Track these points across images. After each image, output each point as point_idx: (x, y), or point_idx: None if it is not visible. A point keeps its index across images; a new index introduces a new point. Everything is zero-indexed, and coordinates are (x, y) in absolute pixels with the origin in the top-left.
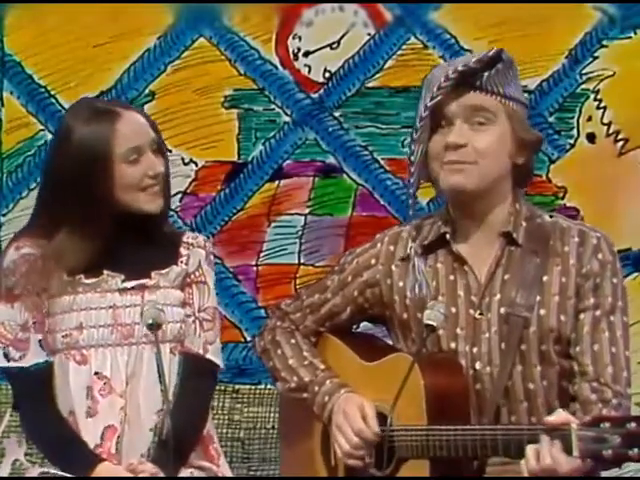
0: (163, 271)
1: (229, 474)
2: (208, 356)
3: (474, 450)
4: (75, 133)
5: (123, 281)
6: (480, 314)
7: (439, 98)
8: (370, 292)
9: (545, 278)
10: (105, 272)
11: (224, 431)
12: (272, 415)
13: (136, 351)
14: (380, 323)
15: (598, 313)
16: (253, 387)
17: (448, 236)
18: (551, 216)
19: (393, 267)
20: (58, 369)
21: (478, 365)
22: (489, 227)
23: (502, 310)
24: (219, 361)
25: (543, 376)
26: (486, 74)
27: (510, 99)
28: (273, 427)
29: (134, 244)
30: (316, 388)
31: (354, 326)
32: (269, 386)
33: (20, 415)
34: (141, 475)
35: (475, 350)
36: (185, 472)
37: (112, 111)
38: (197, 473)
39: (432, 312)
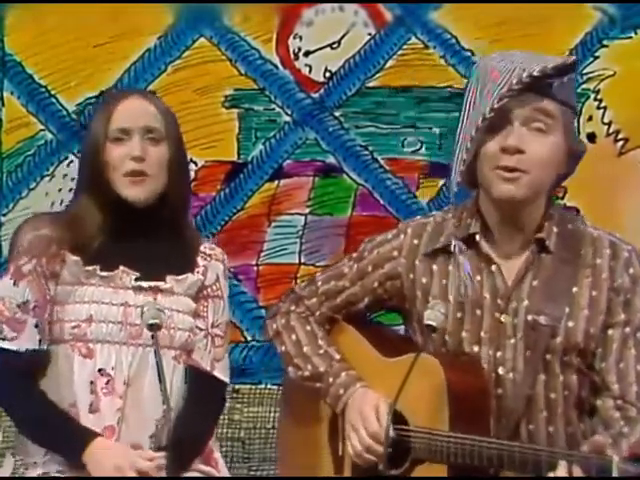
0: (179, 277)
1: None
2: (215, 373)
3: (498, 462)
4: (92, 115)
5: (137, 279)
6: (505, 318)
7: (506, 100)
8: (390, 284)
9: (575, 289)
10: (121, 267)
11: (224, 431)
12: (272, 415)
13: (142, 353)
14: (397, 313)
15: (627, 330)
16: (253, 387)
17: (478, 237)
18: (582, 223)
19: (417, 262)
20: (62, 360)
21: (501, 370)
22: (521, 232)
23: (529, 317)
24: (225, 378)
25: (565, 386)
26: (557, 82)
27: (568, 107)
28: (273, 427)
29: (152, 243)
30: (331, 379)
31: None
32: (269, 386)
33: (3, 397)
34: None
35: (499, 355)
36: (185, 474)
37: (121, 93)
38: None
39: (432, 312)
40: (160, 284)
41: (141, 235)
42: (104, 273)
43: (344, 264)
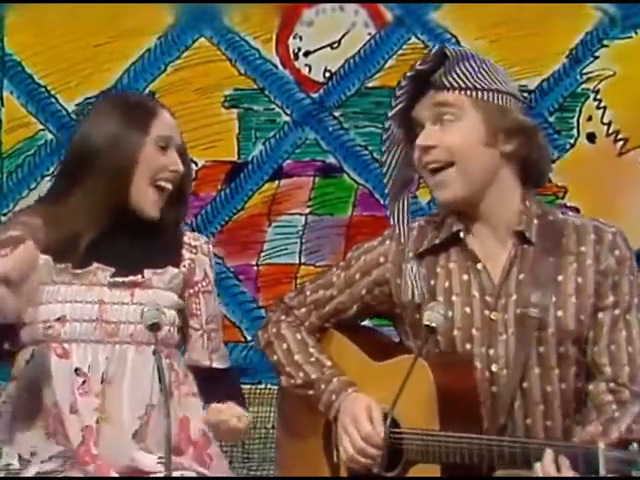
0: (158, 270)
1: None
2: (214, 365)
3: (489, 459)
4: (118, 106)
5: (112, 275)
6: (496, 315)
7: (399, 107)
8: (379, 290)
9: (560, 278)
10: (95, 264)
11: None
12: (272, 415)
13: (119, 351)
14: (386, 319)
15: (617, 312)
16: (253, 387)
17: (462, 234)
18: (563, 213)
19: (403, 266)
20: (39, 360)
21: (494, 367)
22: (499, 226)
23: (519, 311)
24: (225, 364)
25: (561, 379)
26: (439, 72)
27: (479, 90)
28: (273, 427)
29: (130, 238)
30: (322, 386)
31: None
32: (269, 386)
33: None
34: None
35: (491, 352)
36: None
37: (158, 101)
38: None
39: (432, 313)
40: (137, 278)
41: (117, 232)
42: (77, 270)
43: (332, 273)
